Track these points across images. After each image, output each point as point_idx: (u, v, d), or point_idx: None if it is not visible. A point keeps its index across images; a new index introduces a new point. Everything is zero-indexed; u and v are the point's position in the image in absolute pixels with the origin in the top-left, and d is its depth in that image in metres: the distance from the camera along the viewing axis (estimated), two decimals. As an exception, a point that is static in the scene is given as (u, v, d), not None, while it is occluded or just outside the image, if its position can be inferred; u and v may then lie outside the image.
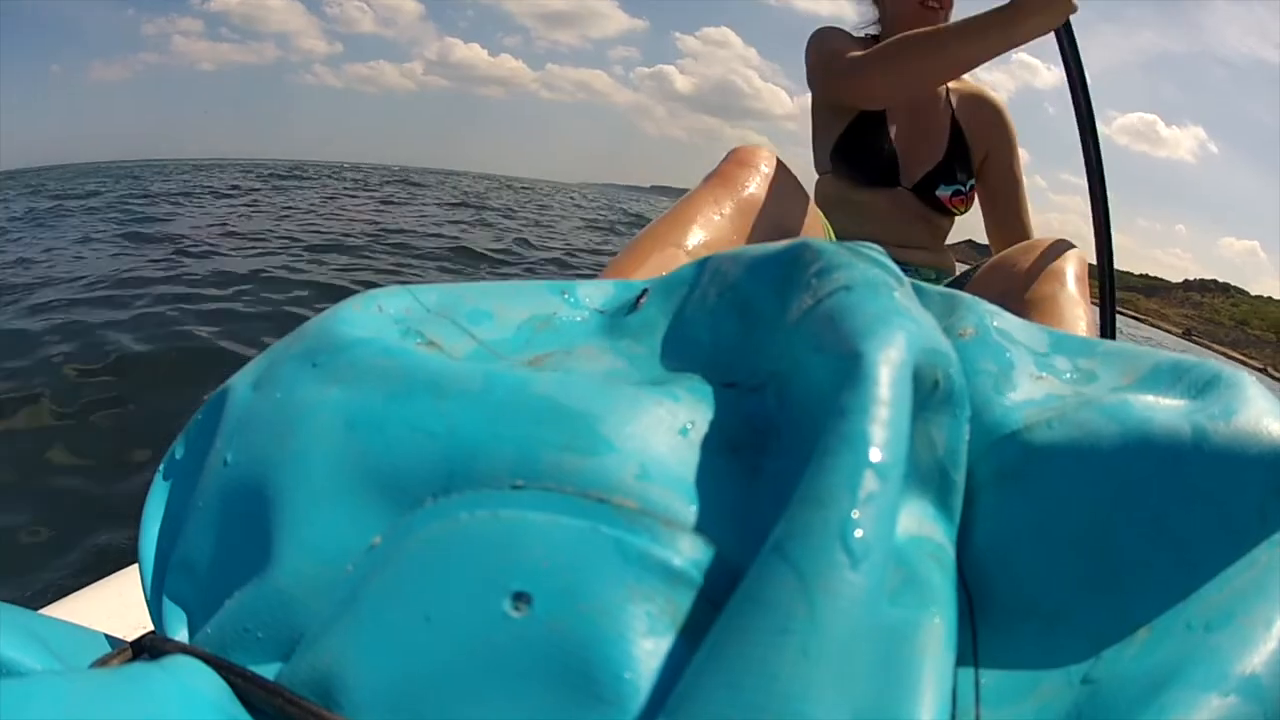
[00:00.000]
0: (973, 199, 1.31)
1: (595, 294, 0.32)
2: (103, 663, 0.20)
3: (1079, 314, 0.90)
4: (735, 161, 0.87)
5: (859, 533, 0.17)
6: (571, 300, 0.32)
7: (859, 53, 1.11)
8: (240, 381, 0.28)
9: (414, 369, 0.25)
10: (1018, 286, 0.94)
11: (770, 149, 0.90)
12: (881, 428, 0.19)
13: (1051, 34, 1.18)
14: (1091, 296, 1.03)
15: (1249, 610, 0.19)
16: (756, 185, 0.85)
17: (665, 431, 0.22)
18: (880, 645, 0.18)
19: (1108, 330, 1.46)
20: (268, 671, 0.21)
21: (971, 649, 0.22)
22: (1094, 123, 1.33)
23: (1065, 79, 1.32)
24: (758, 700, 0.15)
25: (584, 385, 0.23)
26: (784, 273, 0.27)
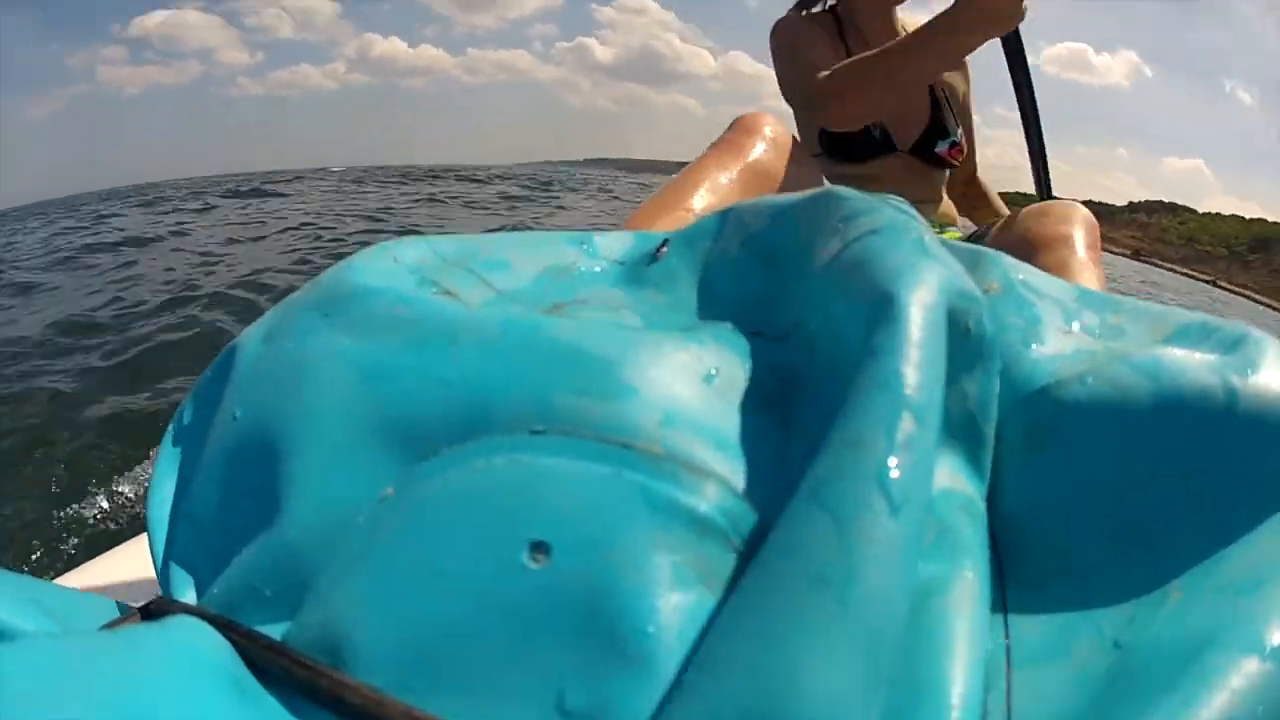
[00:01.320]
0: (965, 148, 1.30)
1: (614, 245, 0.32)
2: (110, 628, 0.20)
3: (1090, 279, 0.89)
4: (741, 129, 0.87)
5: (897, 476, 0.16)
6: (590, 251, 0.31)
7: (820, 81, 1.06)
8: (250, 336, 0.27)
9: (429, 316, 0.24)
10: (1027, 252, 0.92)
11: (776, 116, 0.89)
12: (916, 369, 0.18)
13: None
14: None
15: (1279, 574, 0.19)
16: (763, 151, 0.85)
17: (690, 377, 0.22)
18: (914, 600, 0.18)
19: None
20: (276, 630, 0.20)
21: (1001, 608, 0.22)
22: (1038, 117, 1.36)
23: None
24: (792, 654, 0.15)
25: (604, 330, 0.23)
26: (809, 220, 0.26)
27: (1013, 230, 1.00)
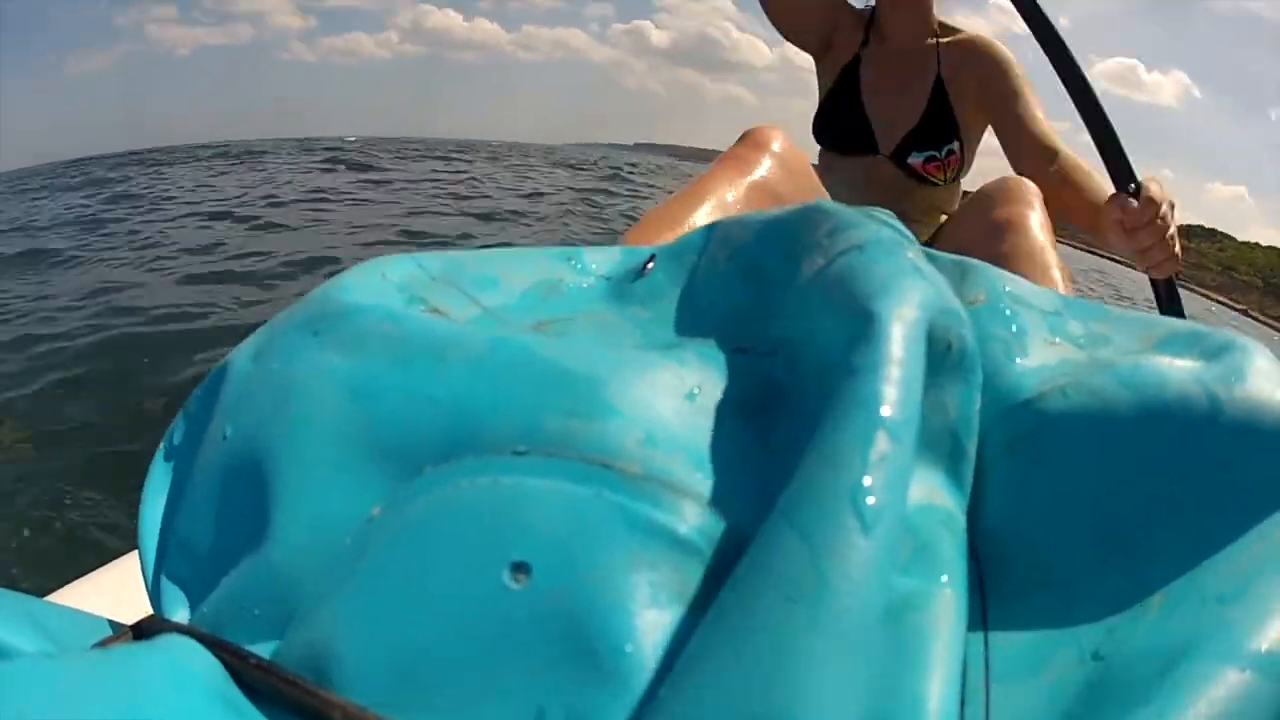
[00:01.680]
0: (954, 167, 1.20)
1: (602, 260, 0.32)
2: (102, 646, 0.20)
3: (1049, 261, 0.86)
4: (749, 144, 0.88)
5: (870, 498, 0.16)
6: (578, 266, 0.32)
7: None
8: (240, 354, 0.27)
9: (417, 335, 0.24)
10: (975, 247, 0.87)
11: (783, 131, 0.90)
12: (894, 387, 0.18)
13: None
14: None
15: (1263, 584, 0.19)
16: (768, 168, 0.86)
17: (672, 396, 0.22)
18: (890, 616, 0.18)
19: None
20: (266, 649, 0.20)
21: (981, 621, 0.22)
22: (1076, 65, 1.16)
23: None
24: (765, 671, 0.15)
25: (589, 349, 0.23)
26: (795, 235, 0.26)
27: (956, 227, 0.97)
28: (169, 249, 4.52)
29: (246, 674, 0.18)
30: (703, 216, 0.79)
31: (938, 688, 0.18)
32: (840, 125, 1.22)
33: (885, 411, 0.18)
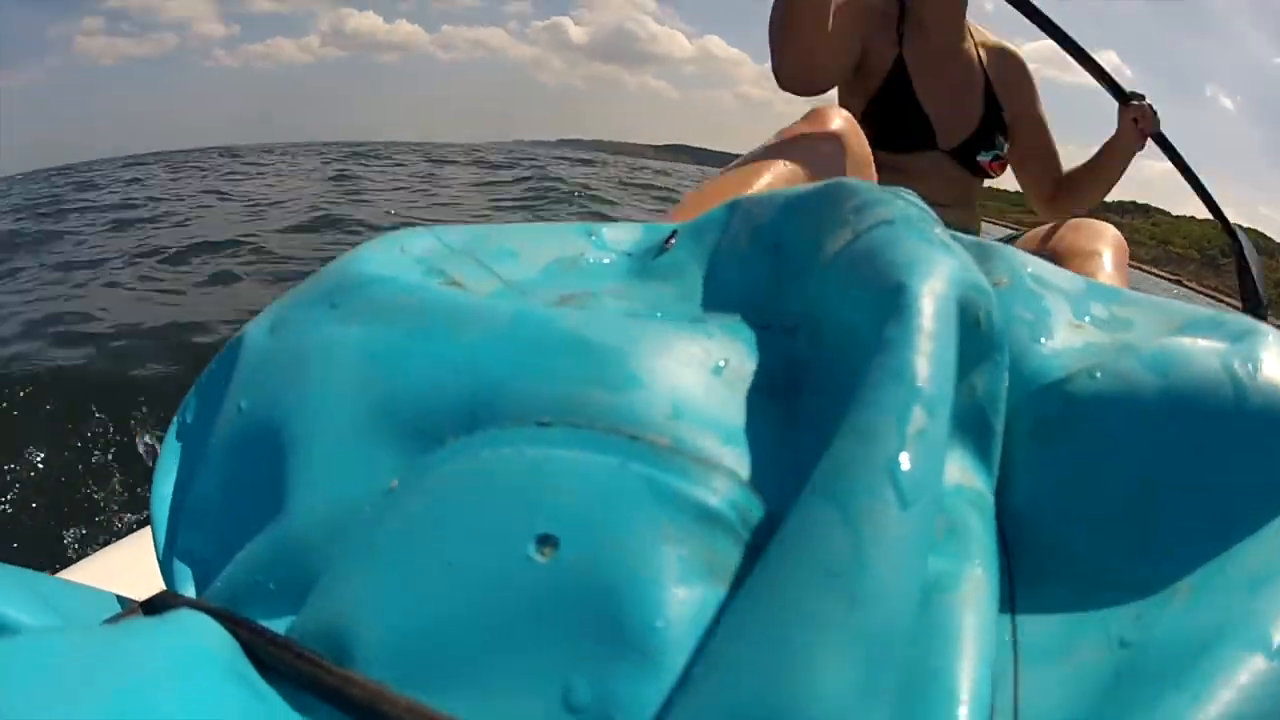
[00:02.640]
0: (1007, 164, 1.30)
1: (623, 236, 0.31)
2: (112, 622, 0.20)
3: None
4: (810, 120, 0.86)
5: (908, 469, 0.16)
6: (598, 242, 0.31)
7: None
8: (256, 327, 0.27)
9: (436, 305, 0.24)
10: (1054, 261, 0.92)
11: (844, 112, 0.87)
12: (928, 361, 0.18)
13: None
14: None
15: None
16: (827, 145, 0.84)
17: (698, 368, 0.21)
18: (924, 595, 0.18)
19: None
20: (280, 624, 0.20)
21: (1009, 605, 0.22)
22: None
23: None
24: (800, 649, 0.14)
25: (613, 321, 0.22)
26: (819, 211, 0.25)
27: (1043, 240, 1.00)
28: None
29: (261, 650, 0.18)
30: (757, 189, 0.78)
31: (970, 668, 0.17)
32: (896, 124, 1.22)
33: (921, 384, 0.17)
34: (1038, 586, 0.22)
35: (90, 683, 0.15)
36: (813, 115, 0.87)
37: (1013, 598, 0.22)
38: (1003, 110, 1.27)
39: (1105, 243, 0.95)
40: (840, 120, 0.86)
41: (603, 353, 0.21)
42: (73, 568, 0.70)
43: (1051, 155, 1.35)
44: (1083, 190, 1.36)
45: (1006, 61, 1.29)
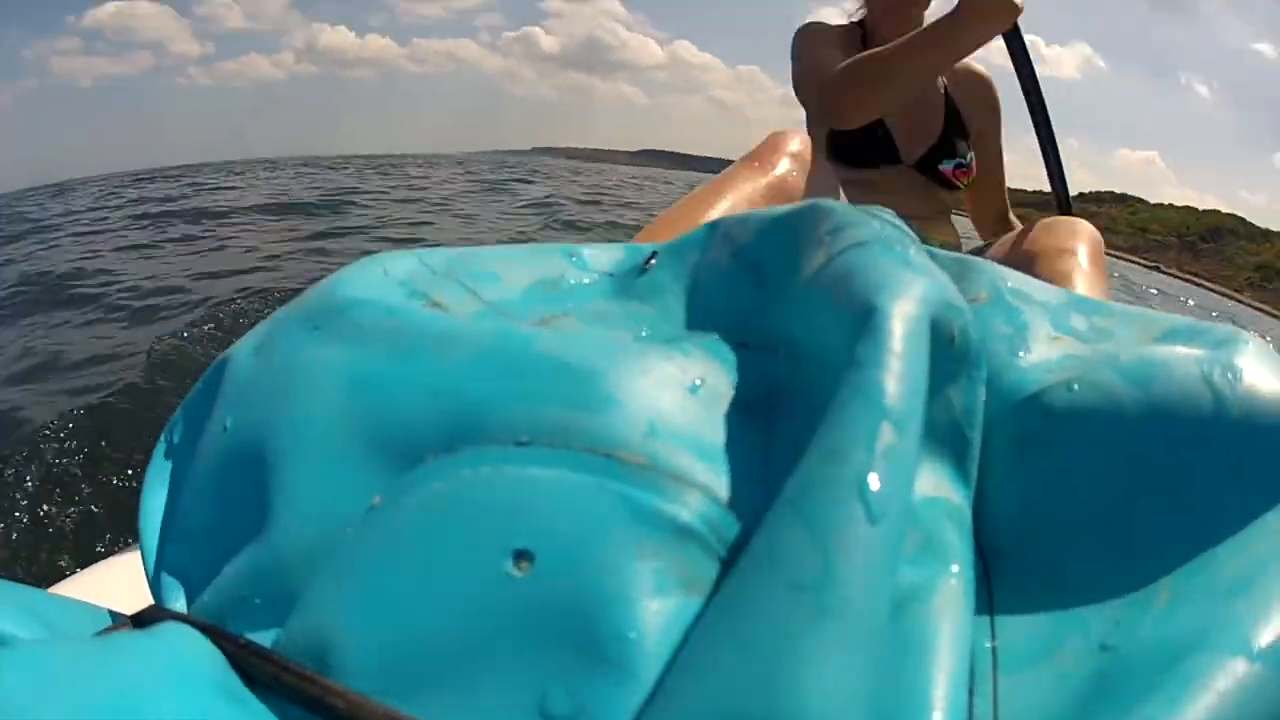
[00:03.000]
0: (973, 172, 1.30)
1: (603, 257, 0.32)
2: (102, 635, 0.20)
3: (1093, 290, 0.90)
4: (770, 146, 0.89)
5: (876, 486, 0.16)
6: (579, 263, 0.32)
7: (830, 75, 1.08)
8: (241, 348, 0.27)
9: (418, 327, 0.24)
10: (1031, 263, 0.93)
11: (803, 135, 0.91)
12: (897, 380, 0.18)
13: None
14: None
15: (1270, 576, 0.19)
16: (788, 168, 0.87)
17: (674, 388, 0.22)
18: (896, 607, 0.18)
19: None
20: (266, 638, 0.20)
21: (988, 613, 0.22)
22: (1048, 119, 1.31)
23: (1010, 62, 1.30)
24: (770, 659, 0.15)
25: (591, 342, 0.23)
26: (796, 232, 0.26)
27: (1018, 243, 1.01)
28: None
29: (246, 662, 0.18)
30: (717, 216, 0.80)
31: (944, 677, 0.18)
32: (860, 143, 1.25)
33: (889, 403, 0.18)
34: (1018, 594, 0.22)
35: (80, 693, 0.15)
36: (772, 140, 0.90)
37: (992, 606, 0.22)
38: (965, 124, 1.30)
39: (1080, 239, 0.95)
40: (798, 142, 0.89)
41: (580, 374, 0.21)
42: (64, 583, 0.69)
43: (998, 189, 1.38)
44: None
45: (974, 79, 1.33)
